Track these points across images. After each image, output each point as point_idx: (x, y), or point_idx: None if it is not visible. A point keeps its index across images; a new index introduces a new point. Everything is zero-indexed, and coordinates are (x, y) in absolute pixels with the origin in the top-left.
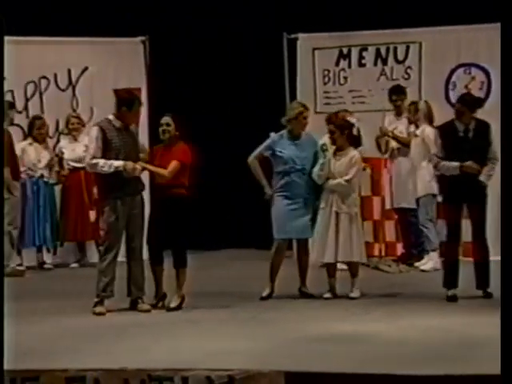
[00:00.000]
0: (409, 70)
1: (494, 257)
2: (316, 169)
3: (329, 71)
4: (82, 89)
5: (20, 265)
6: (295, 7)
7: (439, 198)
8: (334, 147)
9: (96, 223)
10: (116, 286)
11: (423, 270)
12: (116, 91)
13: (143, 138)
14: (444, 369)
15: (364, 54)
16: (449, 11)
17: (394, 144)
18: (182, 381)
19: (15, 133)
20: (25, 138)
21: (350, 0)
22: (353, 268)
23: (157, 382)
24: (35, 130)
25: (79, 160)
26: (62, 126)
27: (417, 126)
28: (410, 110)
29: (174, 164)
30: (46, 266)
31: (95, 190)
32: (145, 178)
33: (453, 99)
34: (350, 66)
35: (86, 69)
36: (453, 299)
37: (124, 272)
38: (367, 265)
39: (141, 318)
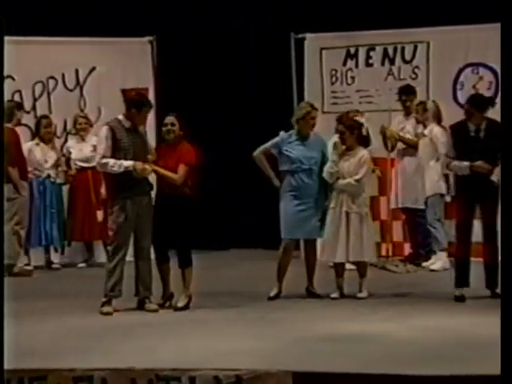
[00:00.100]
0: (416, 70)
1: None
2: (327, 166)
3: (336, 71)
4: (89, 89)
5: (28, 264)
6: (302, 7)
7: (447, 198)
8: (343, 147)
9: (103, 223)
10: (123, 285)
11: (433, 270)
12: (126, 92)
13: (150, 138)
14: (451, 369)
15: (371, 53)
16: (456, 11)
17: (400, 144)
18: (190, 381)
19: (23, 133)
20: (33, 138)
21: (357, 0)
22: (361, 268)
23: (164, 381)
24: (42, 129)
25: (87, 160)
26: (69, 125)
27: (425, 126)
28: (418, 110)
29: (183, 168)
30: (53, 265)
31: (103, 190)
32: (150, 177)
33: (461, 99)
34: (357, 65)
35: (93, 69)
36: (461, 299)
37: (131, 271)
38: (374, 265)
39: (148, 318)
